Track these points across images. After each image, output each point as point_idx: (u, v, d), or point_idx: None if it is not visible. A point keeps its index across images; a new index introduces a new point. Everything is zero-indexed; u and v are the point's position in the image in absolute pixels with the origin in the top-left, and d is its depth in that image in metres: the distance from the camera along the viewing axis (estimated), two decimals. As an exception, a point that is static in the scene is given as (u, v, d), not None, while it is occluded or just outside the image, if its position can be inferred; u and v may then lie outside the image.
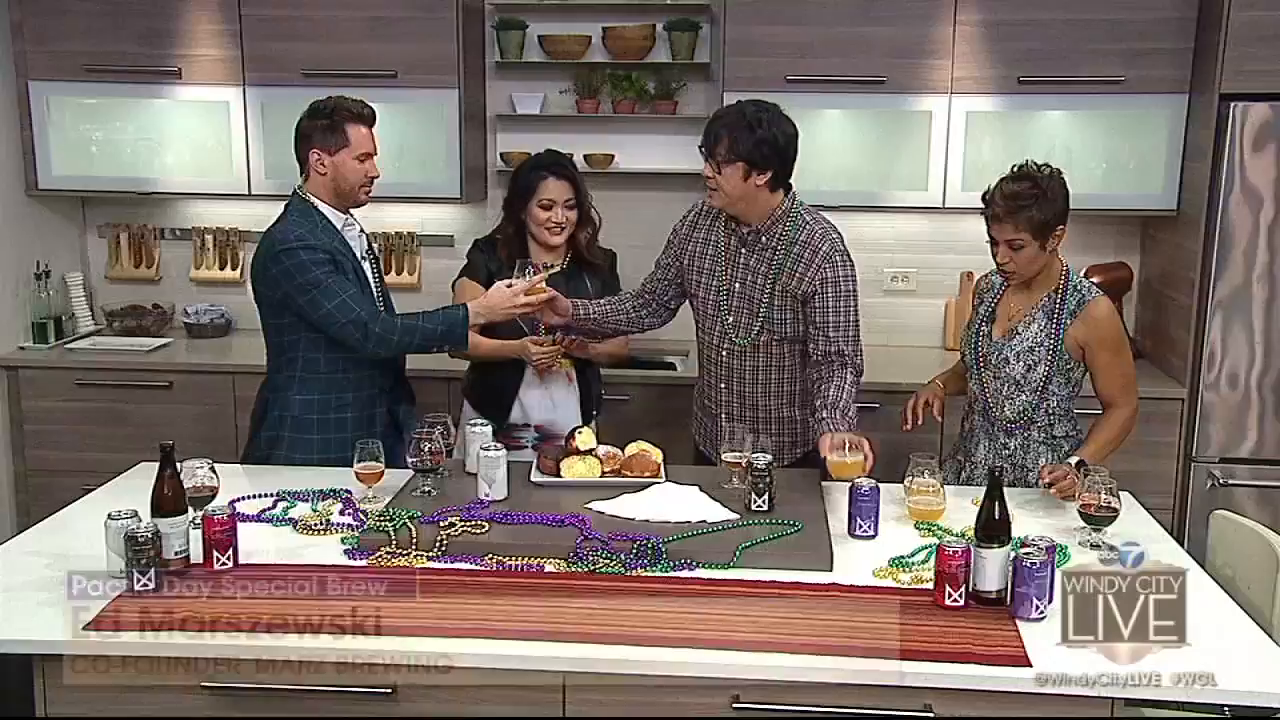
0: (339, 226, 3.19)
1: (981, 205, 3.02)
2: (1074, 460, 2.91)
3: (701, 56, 4.57)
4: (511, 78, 4.70)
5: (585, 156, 4.58)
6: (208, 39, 4.40)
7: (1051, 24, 4.13)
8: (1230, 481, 4.08)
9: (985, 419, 3.11)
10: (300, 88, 4.26)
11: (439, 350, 3.26)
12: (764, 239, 3.16)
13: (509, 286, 3.15)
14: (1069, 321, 2.98)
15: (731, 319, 3.22)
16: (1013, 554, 2.30)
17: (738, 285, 3.20)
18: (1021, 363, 3.00)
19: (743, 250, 3.19)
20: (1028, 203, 2.88)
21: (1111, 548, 2.53)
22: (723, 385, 3.30)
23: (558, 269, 3.28)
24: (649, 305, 3.42)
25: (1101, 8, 4.10)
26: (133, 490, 2.88)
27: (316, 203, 3.18)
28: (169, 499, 2.39)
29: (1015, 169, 2.98)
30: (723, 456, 2.91)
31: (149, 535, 2.30)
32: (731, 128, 3.04)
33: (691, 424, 3.54)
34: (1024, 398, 3.02)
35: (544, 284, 3.17)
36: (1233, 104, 3.89)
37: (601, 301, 3.41)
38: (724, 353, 3.26)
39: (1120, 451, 3.13)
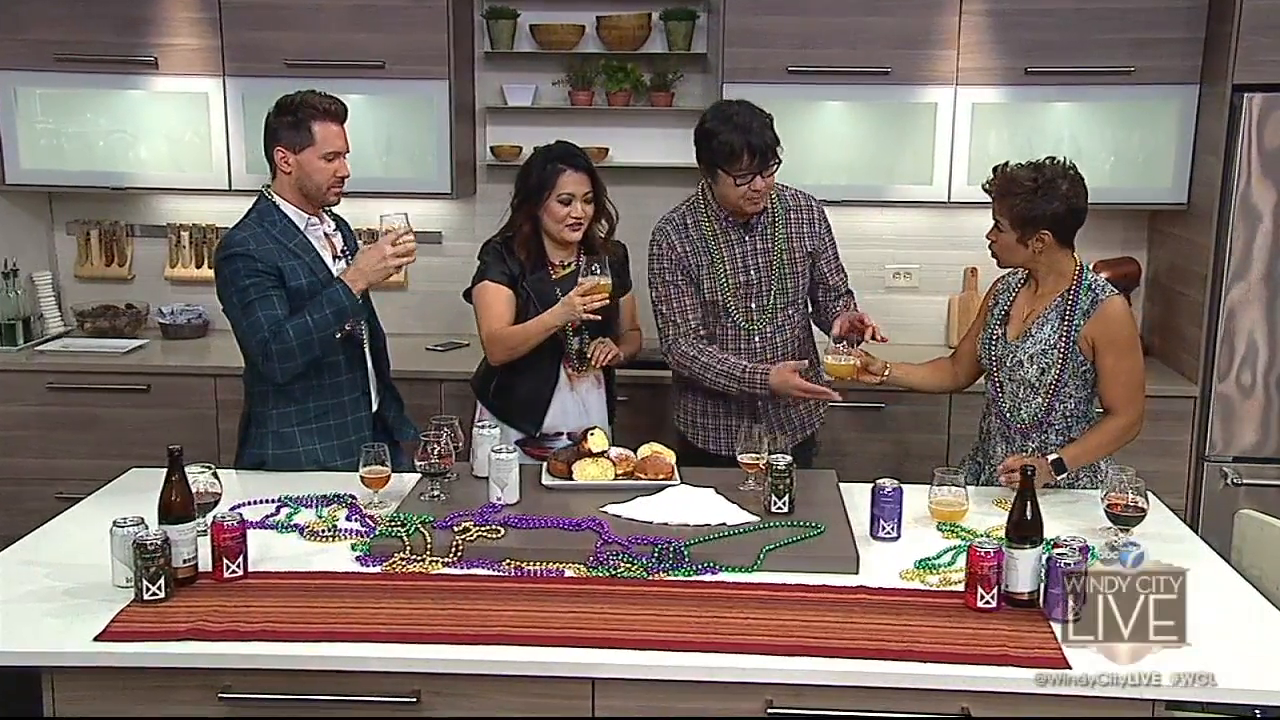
0: (302, 226, 3.19)
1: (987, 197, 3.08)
2: (1052, 457, 2.97)
3: (699, 47, 4.62)
4: (502, 68, 4.73)
5: (579, 150, 4.62)
6: (186, 27, 4.40)
7: (1059, 13, 4.20)
8: (1244, 481, 4.17)
9: (1002, 421, 3.15)
10: (283, 79, 4.25)
11: (342, 334, 3.13)
12: (763, 219, 3.40)
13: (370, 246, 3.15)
14: (1082, 322, 3.00)
15: (754, 304, 3.41)
16: (1045, 555, 2.35)
17: (752, 272, 3.41)
18: (1035, 365, 3.03)
19: (747, 237, 3.40)
20: (1019, 191, 2.93)
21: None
22: None
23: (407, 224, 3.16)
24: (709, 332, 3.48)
25: (1110, -4, 4.19)
26: (126, 497, 2.92)
27: (280, 202, 3.18)
28: (177, 505, 2.40)
29: (1042, 160, 3.00)
30: (739, 458, 2.95)
31: (158, 543, 2.32)
32: (768, 128, 3.23)
33: (690, 430, 3.58)
34: (1039, 400, 3.06)
35: (411, 232, 3.13)
36: (1245, 95, 3.97)
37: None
38: (756, 340, 3.44)
39: (1131, 451, 3.18)
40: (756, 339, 3.43)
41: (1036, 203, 2.92)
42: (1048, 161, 2.99)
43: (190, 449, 3.52)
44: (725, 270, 3.38)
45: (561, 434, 3.50)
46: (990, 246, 3.07)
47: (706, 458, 3.44)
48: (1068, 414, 3.07)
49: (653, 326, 3.54)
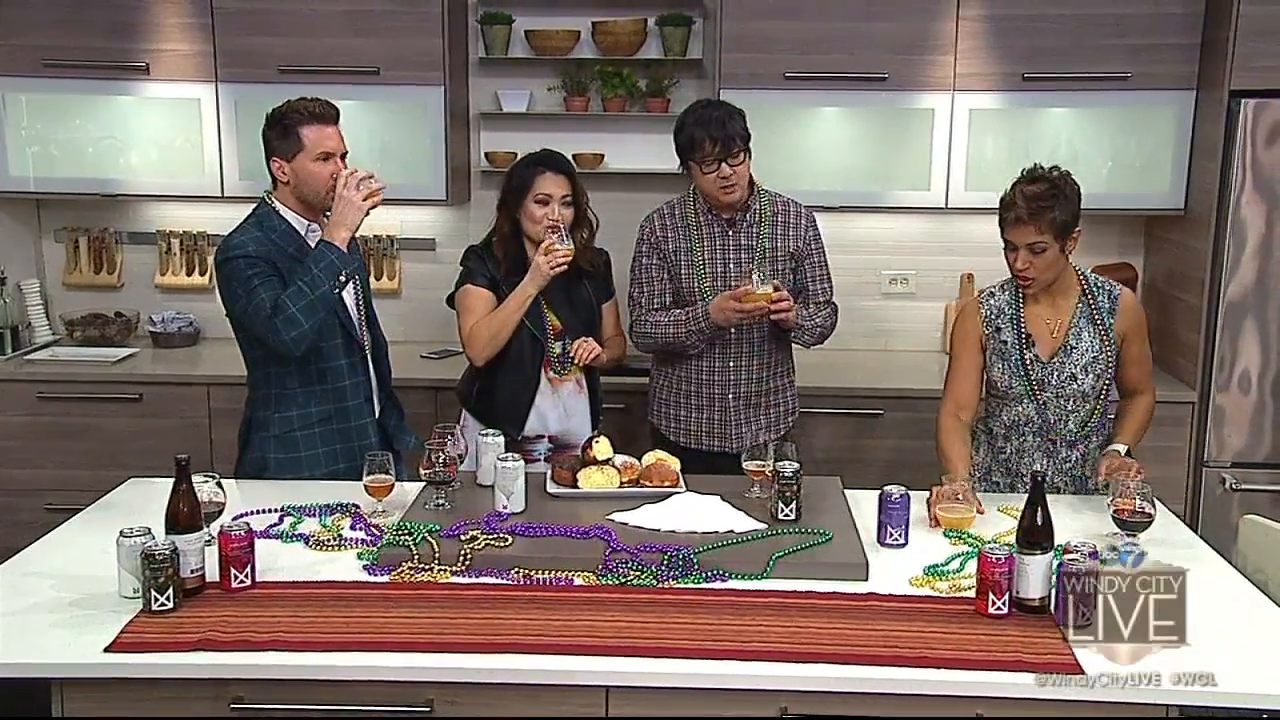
0: (302, 232, 3.20)
1: (993, 207, 3.09)
2: (1121, 449, 3.06)
3: (694, 52, 4.66)
4: (496, 74, 4.75)
5: (574, 156, 4.60)
6: (177, 33, 4.41)
7: (1056, 19, 4.25)
8: (1243, 486, 4.22)
9: (1042, 438, 3.17)
10: (276, 85, 4.30)
11: (338, 290, 3.08)
12: (748, 216, 3.54)
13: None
14: (1111, 320, 3.12)
15: None
16: (1056, 561, 2.39)
17: (731, 265, 3.54)
18: (1089, 374, 3.10)
19: (730, 232, 3.53)
20: (1049, 203, 2.98)
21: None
22: (730, 364, 3.55)
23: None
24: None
25: (1107, 3, 4.23)
26: (125, 507, 2.94)
27: (280, 208, 3.20)
28: (185, 515, 2.41)
29: (1026, 171, 3.07)
30: (744, 464, 2.98)
31: (167, 553, 2.33)
32: (734, 119, 3.41)
33: (662, 421, 3.67)
34: (1088, 408, 3.14)
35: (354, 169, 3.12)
36: (1243, 100, 4.03)
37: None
38: (731, 332, 3.51)
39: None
40: (731, 331, 3.51)
41: (1066, 205, 3.00)
42: (1039, 170, 3.05)
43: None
44: (703, 259, 3.51)
45: (543, 437, 3.55)
46: (1025, 273, 3.04)
47: (678, 451, 3.46)
48: (1105, 412, 3.19)
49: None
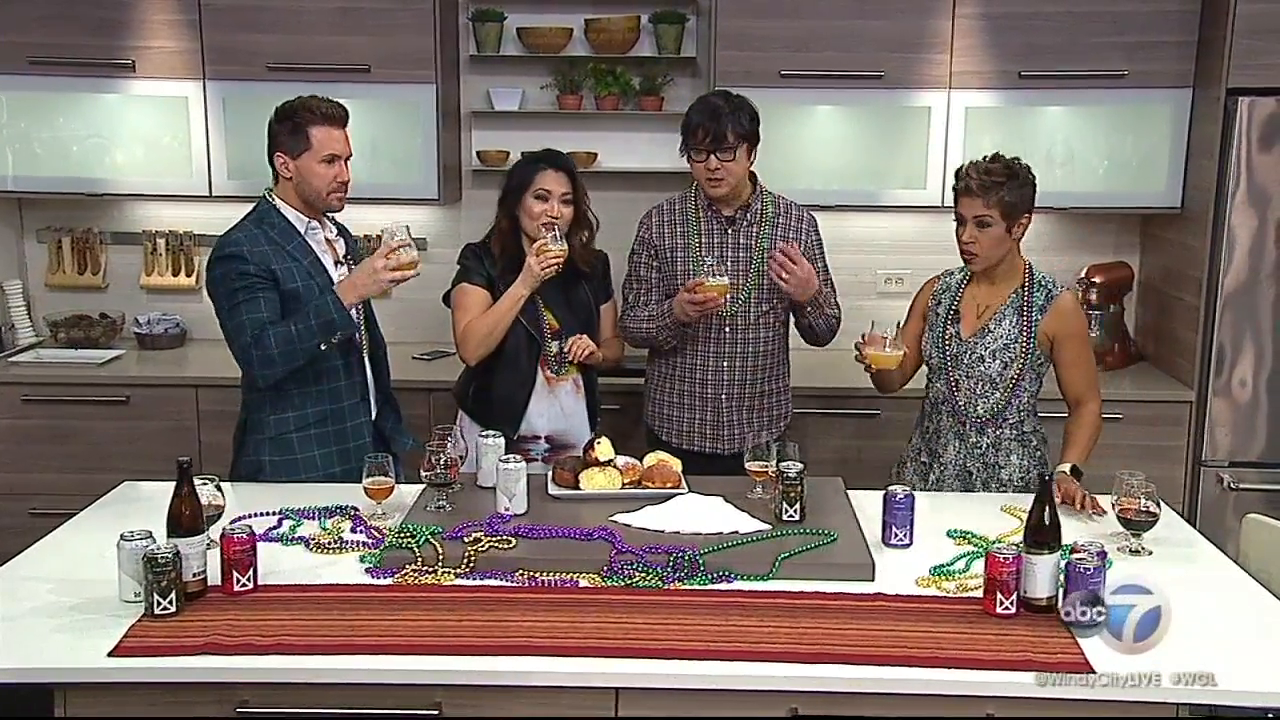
0: (301, 230, 3.22)
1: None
2: (1066, 468, 3.10)
3: (688, 50, 4.68)
4: (488, 72, 4.77)
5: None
6: (164, 30, 4.42)
7: (1052, 17, 4.30)
8: (1241, 485, 4.27)
9: (955, 419, 3.28)
10: (265, 82, 4.31)
11: (327, 347, 3.11)
12: (749, 215, 3.55)
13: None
14: (1039, 317, 3.19)
15: (736, 296, 3.52)
16: (1063, 560, 2.42)
17: (729, 265, 3.54)
18: (997, 360, 3.20)
19: (730, 231, 3.55)
20: (1000, 180, 3.11)
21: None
22: (724, 364, 3.59)
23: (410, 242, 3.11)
24: None
25: (1103, 0, 4.27)
26: (121, 510, 2.95)
27: (280, 205, 3.22)
28: (187, 518, 2.42)
29: (990, 155, 3.20)
30: (746, 465, 3.00)
31: (169, 556, 2.34)
32: (738, 114, 3.41)
33: (656, 421, 3.71)
34: (997, 395, 3.22)
35: (412, 244, 3.09)
36: (1240, 99, 4.07)
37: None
38: (726, 331, 3.56)
39: (1126, 456, 3.28)
40: (727, 330, 3.55)
41: (1016, 188, 3.12)
42: (1001, 156, 3.18)
43: (172, 462, 3.55)
44: (700, 256, 3.52)
45: (540, 438, 3.56)
46: (969, 248, 3.17)
47: (672, 451, 3.48)
48: (1021, 408, 3.25)
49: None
